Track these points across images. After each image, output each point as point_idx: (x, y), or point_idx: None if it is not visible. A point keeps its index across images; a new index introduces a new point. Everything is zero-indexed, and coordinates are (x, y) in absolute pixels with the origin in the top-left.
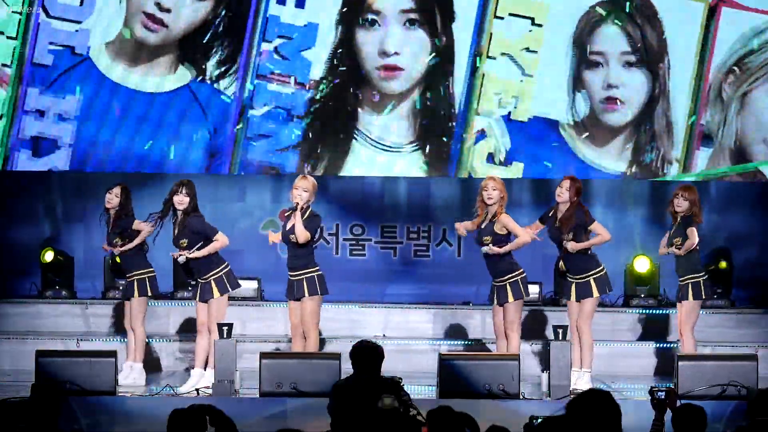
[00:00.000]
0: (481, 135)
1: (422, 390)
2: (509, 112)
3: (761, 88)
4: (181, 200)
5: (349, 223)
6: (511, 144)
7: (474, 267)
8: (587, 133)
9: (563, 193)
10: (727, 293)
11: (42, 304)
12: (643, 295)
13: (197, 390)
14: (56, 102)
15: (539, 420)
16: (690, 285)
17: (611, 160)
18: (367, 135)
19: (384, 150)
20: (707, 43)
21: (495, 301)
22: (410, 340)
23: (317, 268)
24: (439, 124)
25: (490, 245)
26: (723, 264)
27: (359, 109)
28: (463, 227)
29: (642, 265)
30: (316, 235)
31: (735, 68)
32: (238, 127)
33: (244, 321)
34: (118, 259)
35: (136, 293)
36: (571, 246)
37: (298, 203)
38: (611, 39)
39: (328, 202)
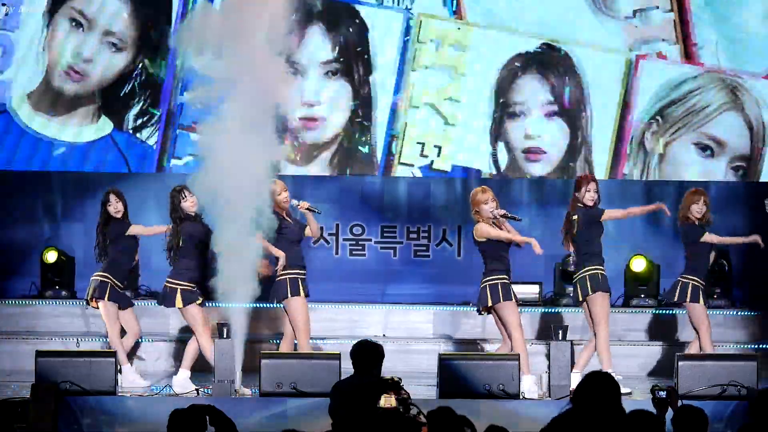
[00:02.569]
0: None
1: (422, 390)
2: (431, 162)
3: (682, 139)
4: (194, 202)
5: (349, 223)
6: None
7: (474, 267)
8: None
9: (595, 195)
10: (727, 293)
11: (42, 304)
12: (642, 295)
13: (197, 390)
14: None
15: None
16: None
17: None
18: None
19: None
20: (628, 93)
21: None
22: (410, 340)
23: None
24: (360, 174)
25: None
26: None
27: (280, 161)
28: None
29: (639, 265)
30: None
31: (656, 119)
32: None
33: None
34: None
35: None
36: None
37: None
38: (532, 89)
39: (328, 202)
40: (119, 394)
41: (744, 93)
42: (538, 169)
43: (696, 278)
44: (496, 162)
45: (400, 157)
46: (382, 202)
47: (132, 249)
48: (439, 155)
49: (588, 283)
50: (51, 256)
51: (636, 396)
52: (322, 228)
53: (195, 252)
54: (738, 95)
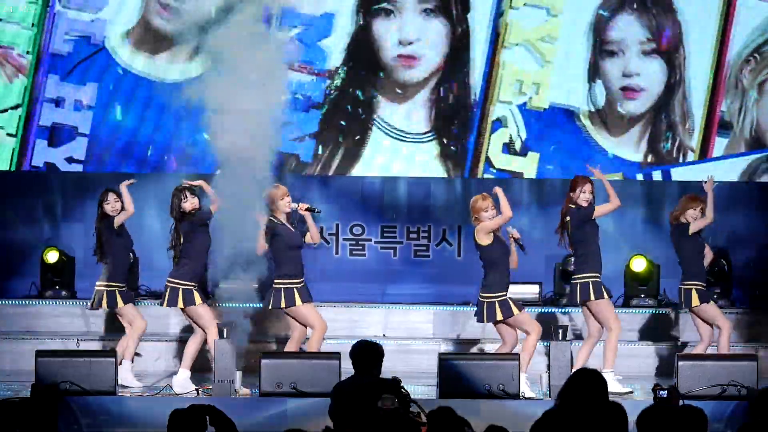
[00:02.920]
0: (498, 124)
1: (422, 390)
2: (527, 100)
3: None
4: (195, 203)
5: (349, 223)
6: (528, 133)
7: (474, 267)
8: (604, 123)
9: (590, 197)
10: (726, 293)
11: (42, 304)
12: (642, 295)
13: (197, 390)
14: (74, 91)
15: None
16: None
17: (628, 149)
18: (385, 124)
19: (401, 140)
20: (725, 31)
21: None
22: (410, 340)
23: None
24: (456, 113)
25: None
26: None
27: (377, 98)
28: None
29: (639, 265)
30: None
31: (753, 56)
32: None
33: None
34: None
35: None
36: None
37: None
38: (628, 28)
39: (328, 202)
40: (119, 394)
41: None
42: (636, 106)
43: (696, 282)
44: (593, 100)
45: (498, 94)
46: (382, 202)
47: (127, 246)
48: (537, 93)
49: (578, 293)
50: (51, 256)
51: (637, 396)
52: (322, 228)
53: (196, 252)
54: None
